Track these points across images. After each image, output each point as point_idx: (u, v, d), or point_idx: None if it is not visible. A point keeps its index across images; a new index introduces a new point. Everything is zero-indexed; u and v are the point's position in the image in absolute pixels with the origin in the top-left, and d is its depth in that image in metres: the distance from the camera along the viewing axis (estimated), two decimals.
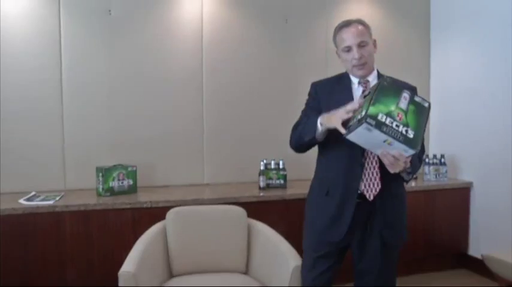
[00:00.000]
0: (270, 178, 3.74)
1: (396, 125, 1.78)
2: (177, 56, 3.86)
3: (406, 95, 1.87)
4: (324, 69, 4.08)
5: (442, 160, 4.17)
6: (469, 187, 4.12)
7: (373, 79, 2.18)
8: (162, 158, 3.84)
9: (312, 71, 4.11)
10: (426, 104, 1.91)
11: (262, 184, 3.70)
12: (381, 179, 2.09)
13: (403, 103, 1.84)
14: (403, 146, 1.80)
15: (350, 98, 2.13)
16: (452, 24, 4.30)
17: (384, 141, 1.81)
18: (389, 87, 1.86)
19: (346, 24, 2.18)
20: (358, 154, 2.09)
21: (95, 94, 3.67)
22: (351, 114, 1.87)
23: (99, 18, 3.65)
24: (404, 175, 2.08)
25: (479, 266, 3.76)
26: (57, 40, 3.56)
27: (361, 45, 2.12)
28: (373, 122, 1.75)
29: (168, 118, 3.85)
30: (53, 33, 3.55)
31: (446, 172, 4.16)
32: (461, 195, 4.12)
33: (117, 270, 2.32)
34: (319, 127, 2.04)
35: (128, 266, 2.36)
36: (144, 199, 3.30)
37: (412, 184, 4.05)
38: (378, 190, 2.09)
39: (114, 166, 3.48)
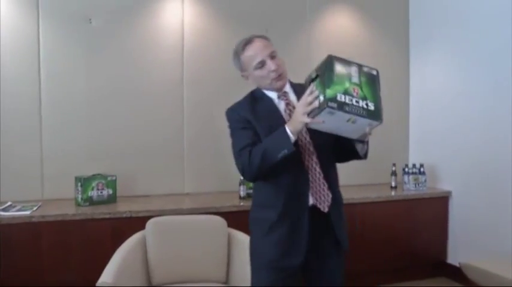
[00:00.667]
0: (251, 188, 3.74)
1: (356, 101, 1.77)
2: (158, 66, 3.85)
3: (354, 68, 1.84)
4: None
5: (422, 169, 4.22)
6: (448, 196, 4.17)
7: (289, 90, 2.15)
8: (143, 168, 3.82)
9: (294, 81, 4.13)
10: (374, 72, 1.89)
11: (242, 194, 3.70)
12: (329, 188, 2.05)
13: (355, 77, 1.82)
14: (367, 121, 1.78)
15: (277, 114, 2.07)
16: (430, 38, 4.38)
17: (348, 121, 1.78)
18: (338, 64, 1.82)
19: (248, 41, 2.07)
20: (301, 169, 2.03)
21: (74, 104, 3.64)
22: (316, 104, 1.78)
23: (80, 27, 3.63)
24: (360, 147, 2.05)
25: (457, 274, 3.81)
26: (35, 50, 3.53)
27: (272, 55, 2.05)
28: (335, 105, 1.72)
29: (149, 128, 3.83)
30: (32, 43, 3.52)
31: (425, 181, 4.21)
32: (440, 204, 4.17)
33: (95, 281, 2.29)
34: (292, 137, 1.88)
35: (106, 277, 2.32)
36: (123, 208, 3.27)
37: (392, 193, 4.09)
38: (330, 200, 2.04)
39: (94, 175, 3.45)
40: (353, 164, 4.36)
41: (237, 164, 2.05)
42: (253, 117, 2.06)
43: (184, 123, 3.92)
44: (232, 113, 2.15)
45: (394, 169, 4.25)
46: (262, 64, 2.05)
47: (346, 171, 4.26)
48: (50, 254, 3.04)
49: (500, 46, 3.62)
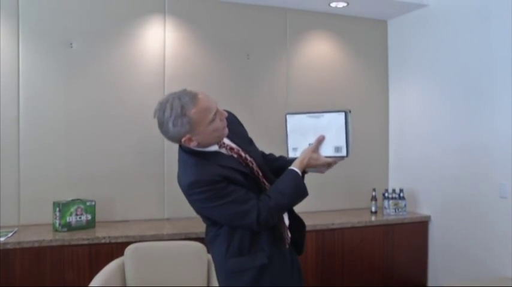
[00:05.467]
0: None
1: None
2: (139, 91, 3.84)
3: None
4: (284, 105, 4.17)
5: (401, 194, 4.25)
6: (427, 220, 4.21)
7: None
8: (122, 193, 3.77)
9: (273, 107, 4.18)
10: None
11: None
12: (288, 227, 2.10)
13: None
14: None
15: (234, 161, 1.95)
16: (409, 64, 4.46)
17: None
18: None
19: (194, 96, 1.82)
20: None
21: (53, 128, 3.60)
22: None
23: (60, 50, 3.62)
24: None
25: None
26: (15, 72, 3.50)
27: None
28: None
29: (128, 153, 3.80)
30: (12, 66, 3.49)
31: (405, 206, 4.23)
32: (420, 228, 4.19)
33: None
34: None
35: None
36: (102, 234, 3.23)
37: (372, 218, 4.11)
38: (289, 239, 2.08)
39: (72, 200, 3.40)
40: (333, 189, 4.40)
41: (249, 219, 1.85)
42: (226, 172, 1.86)
43: (165, 148, 3.90)
44: (204, 179, 1.84)
45: (374, 193, 4.27)
46: (215, 116, 1.84)
47: (326, 196, 4.31)
48: (24, 282, 2.96)
49: (480, 73, 3.69)
